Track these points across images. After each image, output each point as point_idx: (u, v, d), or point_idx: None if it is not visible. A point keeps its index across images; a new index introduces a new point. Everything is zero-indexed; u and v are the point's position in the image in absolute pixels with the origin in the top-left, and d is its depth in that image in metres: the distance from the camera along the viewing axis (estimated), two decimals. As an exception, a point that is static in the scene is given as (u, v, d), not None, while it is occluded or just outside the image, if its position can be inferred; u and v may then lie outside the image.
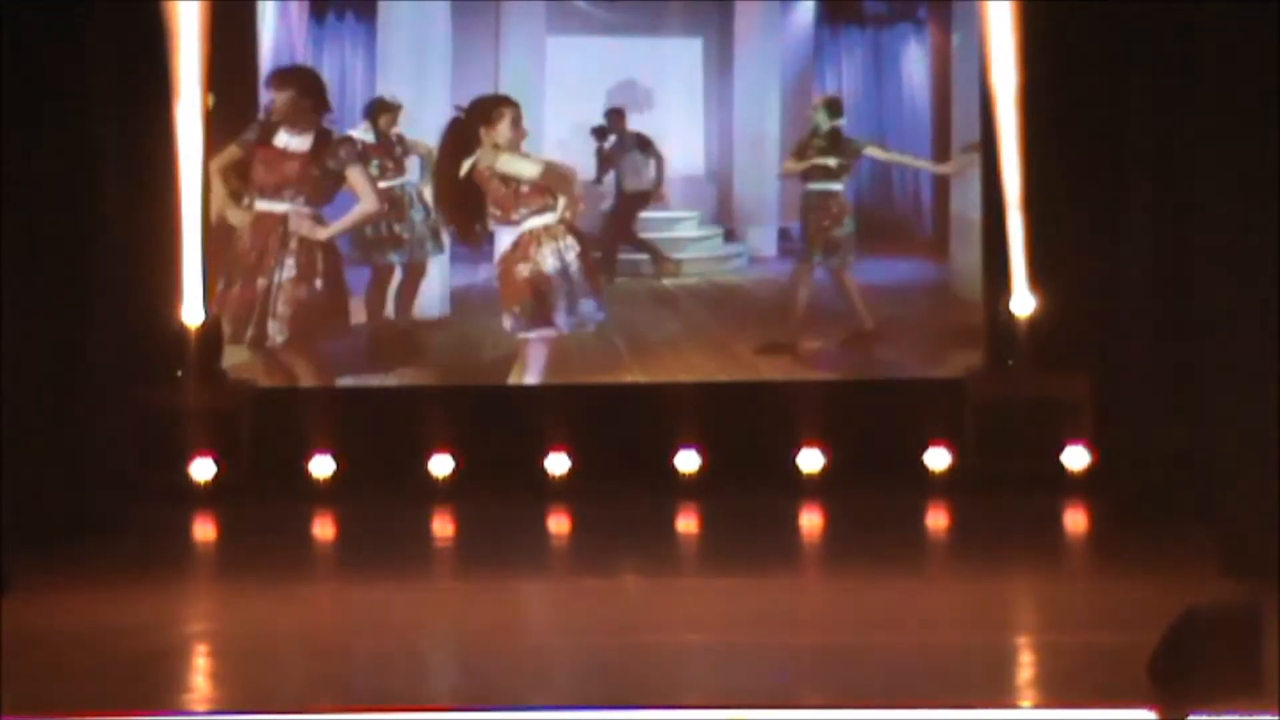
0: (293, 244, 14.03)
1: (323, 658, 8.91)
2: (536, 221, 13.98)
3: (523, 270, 14.01)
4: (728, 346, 14.21)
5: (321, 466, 13.87)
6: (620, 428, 14.00)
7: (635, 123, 14.26)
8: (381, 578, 10.91)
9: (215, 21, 13.26)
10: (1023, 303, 13.67)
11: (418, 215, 14.21)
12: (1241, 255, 10.15)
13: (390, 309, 14.24)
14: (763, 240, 14.35)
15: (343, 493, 13.74)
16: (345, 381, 14.21)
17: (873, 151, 14.28)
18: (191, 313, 13.80)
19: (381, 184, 14.15)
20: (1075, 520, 12.94)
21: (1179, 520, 11.52)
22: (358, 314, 14.22)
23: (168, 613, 10.14)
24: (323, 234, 14.04)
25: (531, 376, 14.05)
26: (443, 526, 13.24)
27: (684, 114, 14.36)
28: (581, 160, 14.21)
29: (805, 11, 14.34)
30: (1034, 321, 13.69)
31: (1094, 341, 13.40)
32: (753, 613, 10.03)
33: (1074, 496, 13.26)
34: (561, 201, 14.02)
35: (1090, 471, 13.48)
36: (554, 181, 14.01)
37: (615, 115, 14.24)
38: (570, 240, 14.00)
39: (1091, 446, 13.49)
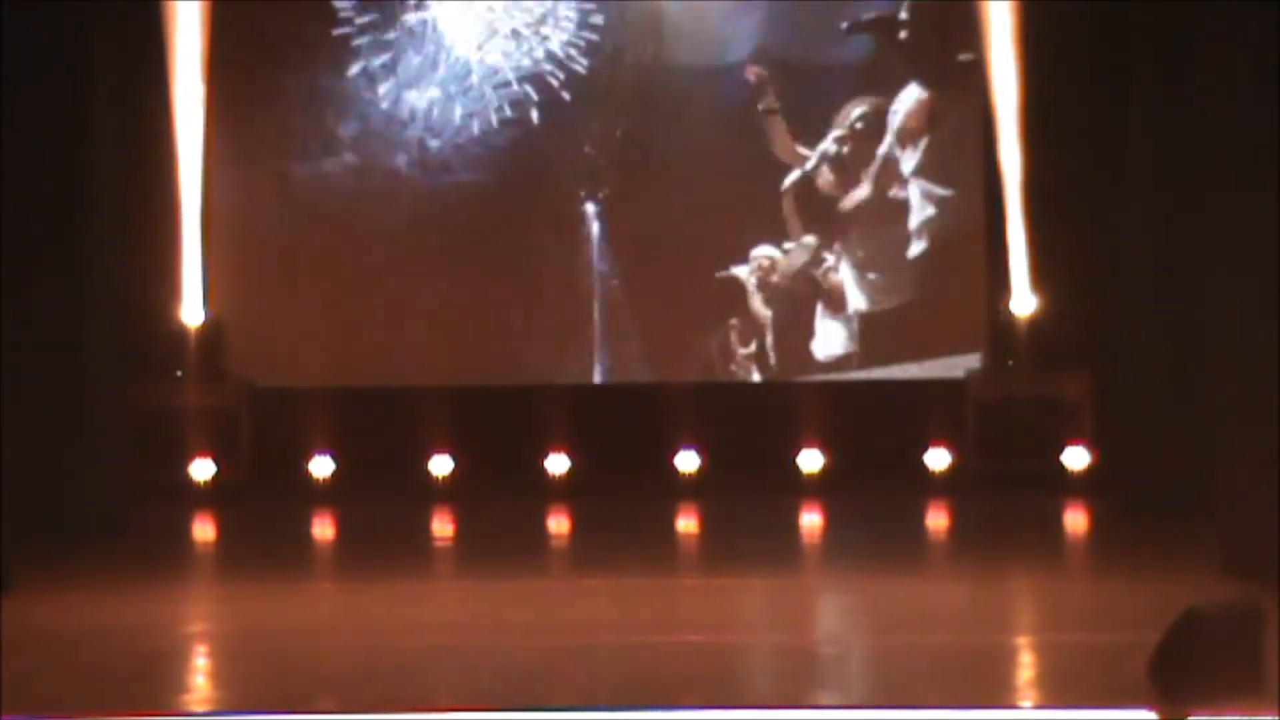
0: None
1: (323, 658, 8.91)
2: None
3: None
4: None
5: (321, 466, 13.87)
6: (620, 428, 14.01)
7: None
8: (381, 578, 10.91)
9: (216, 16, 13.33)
10: (1023, 303, 13.68)
11: None
12: (1242, 254, 10.15)
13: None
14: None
15: (343, 493, 13.74)
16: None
17: None
18: (191, 312, 13.82)
19: None
20: (1075, 520, 12.94)
21: (1179, 520, 11.53)
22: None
23: (168, 613, 10.14)
24: None
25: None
26: (443, 526, 13.25)
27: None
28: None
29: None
30: (1034, 321, 13.70)
31: (1095, 341, 13.41)
32: (752, 613, 10.04)
33: (1074, 496, 13.26)
34: None
35: (1090, 471, 13.47)
36: None
37: None
38: None
39: (1091, 446, 13.48)
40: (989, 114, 13.58)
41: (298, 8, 14.28)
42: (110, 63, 12.65)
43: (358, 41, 14.29)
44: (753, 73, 14.11)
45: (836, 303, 14.19)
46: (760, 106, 14.12)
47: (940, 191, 14.12)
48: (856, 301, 14.18)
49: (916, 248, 14.15)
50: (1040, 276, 13.63)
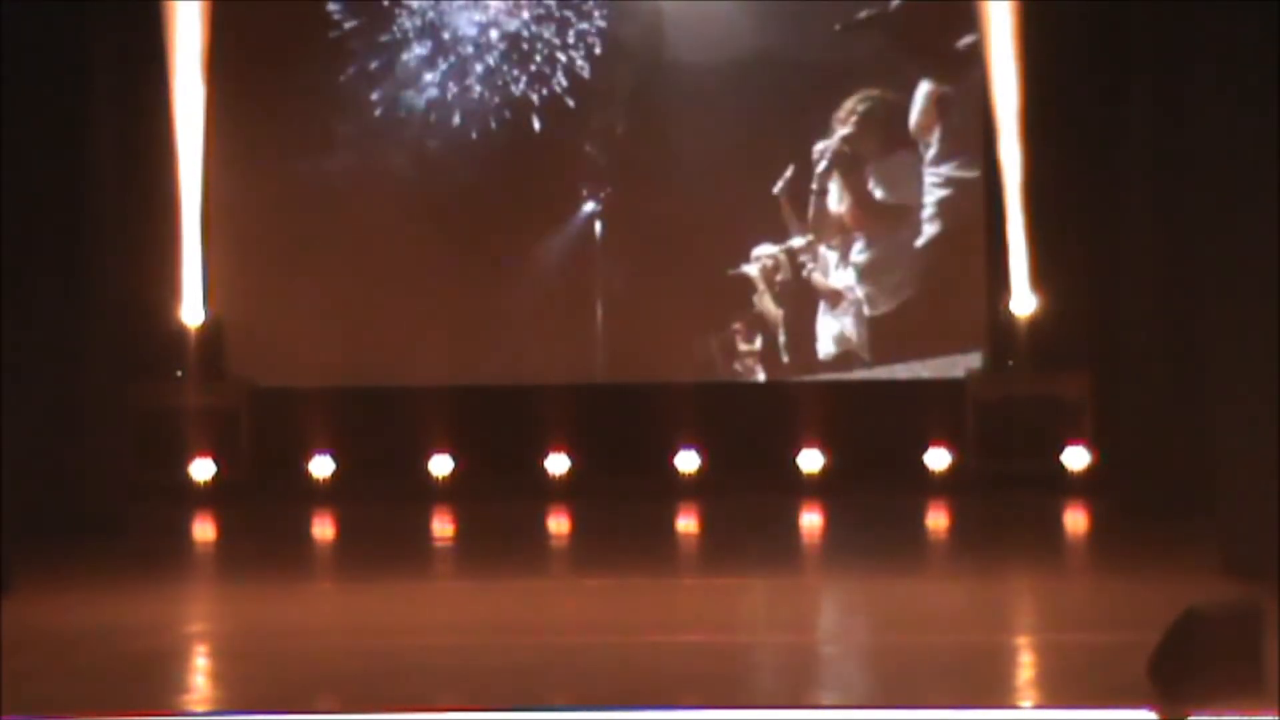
0: None
1: (323, 658, 8.91)
2: None
3: None
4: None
5: (321, 466, 13.88)
6: (620, 428, 14.01)
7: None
8: (381, 578, 10.91)
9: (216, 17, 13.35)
10: (1023, 303, 13.68)
11: None
12: (1242, 254, 10.14)
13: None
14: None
15: (343, 493, 13.74)
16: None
17: None
18: (191, 312, 13.83)
19: None
20: (1075, 520, 12.94)
21: (1179, 520, 11.53)
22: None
23: (168, 613, 10.14)
24: None
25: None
26: (443, 526, 13.25)
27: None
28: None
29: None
30: (1034, 321, 13.70)
31: (1094, 342, 13.41)
32: (752, 613, 10.03)
33: (1074, 496, 13.26)
34: None
35: (1090, 471, 13.48)
36: None
37: None
38: None
39: (1091, 446, 13.49)
40: (989, 114, 13.59)
41: (297, 8, 14.28)
42: (110, 63, 12.65)
43: (356, 42, 14.30)
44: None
45: (839, 300, 14.20)
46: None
47: (940, 191, 14.13)
48: (858, 299, 14.18)
49: (917, 246, 14.16)
50: (1040, 276, 13.63)
